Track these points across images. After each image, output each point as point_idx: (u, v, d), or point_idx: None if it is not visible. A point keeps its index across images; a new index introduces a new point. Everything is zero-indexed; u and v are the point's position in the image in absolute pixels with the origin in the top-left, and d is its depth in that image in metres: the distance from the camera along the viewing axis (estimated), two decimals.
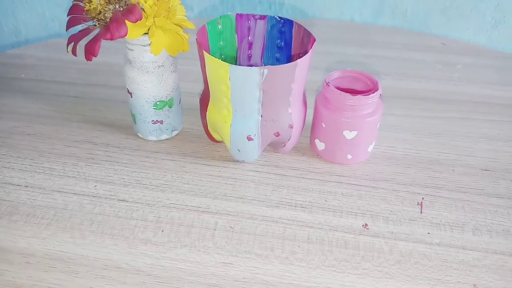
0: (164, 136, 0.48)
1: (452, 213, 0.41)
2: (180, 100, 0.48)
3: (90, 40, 0.39)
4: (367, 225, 0.40)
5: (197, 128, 0.50)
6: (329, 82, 0.43)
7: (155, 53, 0.41)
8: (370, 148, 0.46)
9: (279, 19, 0.45)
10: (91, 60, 0.39)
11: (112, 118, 0.52)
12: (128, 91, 0.46)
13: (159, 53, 0.42)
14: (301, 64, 0.39)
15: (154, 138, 0.48)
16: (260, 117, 0.41)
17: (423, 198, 0.42)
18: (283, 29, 0.45)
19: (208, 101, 0.43)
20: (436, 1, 0.72)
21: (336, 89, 0.42)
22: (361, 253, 0.37)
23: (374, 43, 0.69)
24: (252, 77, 0.38)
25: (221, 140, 0.46)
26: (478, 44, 0.72)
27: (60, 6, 0.74)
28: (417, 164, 0.46)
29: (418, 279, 0.35)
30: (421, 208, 0.42)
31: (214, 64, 0.39)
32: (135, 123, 0.48)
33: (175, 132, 0.49)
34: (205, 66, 0.40)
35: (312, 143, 0.47)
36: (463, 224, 0.40)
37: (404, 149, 0.48)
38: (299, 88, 0.41)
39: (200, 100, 0.46)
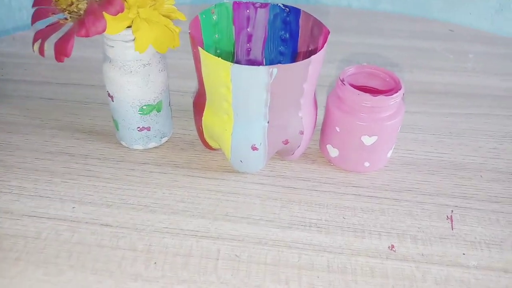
0: (152, 144, 0.42)
1: (487, 228, 0.36)
2: (169, 102, 0.42)
3: (61, 37, 0.32)
4: (393, 247, 0.34)
5: (190, 133, 0.44)
6: (343, 80, 0.38)
7: (140, 51, 0.35)
8: (389, 154, 0.40)
9: (283, 7, 0.39)
10: (62, 61, 0.32)
11: (92, 123, 0.45)
12: (109, 94, 0.39)
13: (145, 50, 0.35)
14: (315, 61, 0.33)
15: (140, 147, 0.42)
16: (266, 123, 0.35)
17: (452, 211, 0.37)
18: (288, 18, 0.39)
19: (204, 104, 0.37)
20: None
21: (353, 89, 0.36)
22: (390, 282, 0.32)
23: (376, 31, 0.63)
24: (259, 78, 0.32)
25: (219, 147, 0.40)
26: (481, 29, 0.67)
27: None
28: (440, 170, 0.41)
29: None
30: (452, 223, 0.36)
31: (212, 63, 0.32)
32: (118, 130, 0.41)
33: (164, 139, 0.43)
34: (200, 65, 0.34)
35: (323, 148, 0.42)
36: (501, 241, 0.35)
37: (425, 153, 0.43)
38: (311, 88, 0.35)
39: (194, 102, 0.39)
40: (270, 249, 0.34)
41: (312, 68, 0.33)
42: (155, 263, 0.32)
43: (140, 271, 0.32)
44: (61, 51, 0.31)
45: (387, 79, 0.39)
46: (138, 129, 0.40)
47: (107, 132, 0.44)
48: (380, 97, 0.36)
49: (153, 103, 0.39)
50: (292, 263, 0.33)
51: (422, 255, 0.34)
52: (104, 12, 0.30)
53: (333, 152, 0.40)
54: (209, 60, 0.32)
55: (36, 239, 0.34)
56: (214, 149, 0.42)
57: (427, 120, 0.47)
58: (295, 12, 0.38)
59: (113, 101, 0.39)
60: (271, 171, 0.40)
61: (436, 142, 0.44)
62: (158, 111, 0.40)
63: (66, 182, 0.39)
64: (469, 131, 0.46)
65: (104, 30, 0.31)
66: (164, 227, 0.35)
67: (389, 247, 0.34)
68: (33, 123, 0.45)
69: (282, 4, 0.39)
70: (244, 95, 0.33)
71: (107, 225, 0.35)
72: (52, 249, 0.33)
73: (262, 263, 0.33)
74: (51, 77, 0.52)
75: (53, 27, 0.33)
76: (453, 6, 0.68)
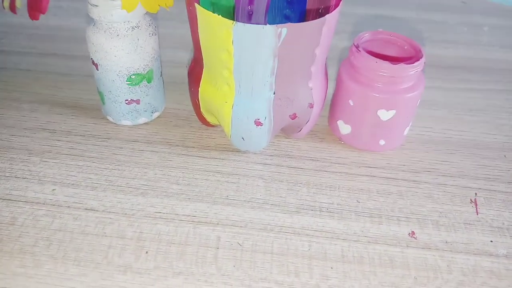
0: (142, 120, 0.38)
1: None
2: (161, 72, 0.37)
3: None
4: (414, 233, 0.31)
5: (185, 108, 0.40)
6: (358, 46, 0.33)
7: (127, 9, 0.30)
8: (406, 131, 0.36)
9: None
10: (37, 19, 0.28)
11: (75, 97, 0.41)
12: (93, 62, 0.34)
13: (133, 9, 0.31)
14: (330, 20, 0.28)
15: (129, 123, 0.38)
16: (272, 95, 0.31)
17: (476, 194, 0.34)
18: None
19: (201, 74, 0.33)
20: None
21: (370, 56, 0.32)
22: (412, 273, 0.28)
23: (385, 2, 0.58)
24: (265, 39, 0.27)
25: (218, 123, 0.36)
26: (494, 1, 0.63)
27: None
28: (461, 149, 0.37)
29: None
30: (476, 208, 0.33)
31: (211, 22, 0.28)
32: (104, 103, 0.37)
33: (156, 114, 0.38)
34: (197, 26, 0.29)
35: (332, 125, 0.38)
36: None
37: (444, 130, 0.39)
38: (323, 54, 0.31)
39: (189, 71, 0.35)
40: (276, 236, 0.30)
41: (326, 29, 0.29)
42: (147, 252, 0.29)
43: (129, 261, 0.28)
44: (36, 6, 0.26)
45: (406, 47, 0.35)
46: (126, 102, 0.36)
47: (92, 107, 0.40)
48: (400, 65, 0.32)
49: (143, 72, 0.35)
50: (301, 252, 0.29)
51: (446, 242, 0.30)
52: None
53: (344, 129, 0.36)
54: (207, 19, 0.28)
55: (11, 225, 0.30)
56: (212, 126, 0.38)
57: (445, 95, 0.43)
58: None
59: (98, 70, 0.34)
60: (275, 149, 0.36)
61: (455, 119, 0.41)
62: (149, 81, 0.36)
63: (46, 161, 0.34)
64: (490, 108, 0.42)
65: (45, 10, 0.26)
66: (156, 212, 0.31)
67: (409, 234, 0.31)
68: (10, 96, 0.40)
69: None
70: (248, 61, 0.29)
71: (92, 210, 0.31)
72: (28, 237, 0.29)
73: (268, 252, 0.29)
74: (30, 47, 0.47)
75: None
76: None
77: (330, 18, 0.28)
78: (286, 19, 0.37)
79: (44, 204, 0.31)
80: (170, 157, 0.35)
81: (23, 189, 0.32)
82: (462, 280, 0.28)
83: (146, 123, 0.38)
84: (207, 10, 0.28)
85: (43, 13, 0.27)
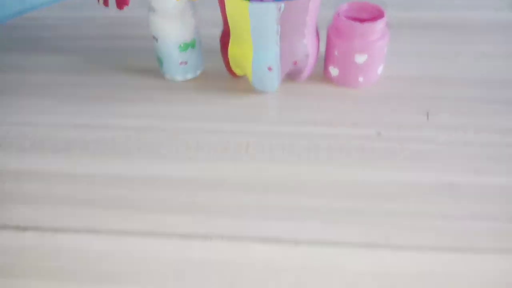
0: (189, 76, 0.53)
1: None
2: (200, 42, 0.53)
3: None
4: (380, 133, 0.45)
5: (219, 68, 0.54)
6: (339, 14, 0.48)
7: None
8: (379, 70, 0.50)
9: None
10: (122, 9, 0.43)
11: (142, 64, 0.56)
12: (154, 37, 0.50)
13: None
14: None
15: (180, 78, 0.53)
16: (278, 48, 0.46)
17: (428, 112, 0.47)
18: None
19: (229, 39, 0.48)
20: None
21: (346, 19, 0.47)
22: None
23: None
24: (270, 12, 0.42)
25: (242, 74, 0.51)
26: None
27: None
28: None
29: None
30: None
31: (233, 3, 0.43)
32: (162, 66, 0.52)
33: (198, 71, 0.54)
34: (225, 7, 0.44)
35: (326, 70, 0.52)
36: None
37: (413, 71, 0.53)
38: (313, 20, 0.45)
39: (220, 39, 0.50)
40: (285, 137, 0.45)
41: (312, 5, 0.43)
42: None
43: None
44: (123, 1, 0.42)
45: (374, 11, 0.49)
46: (179, 63, 0.51)
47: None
48: (367, 24, 0.46)
49: (188, 41, 0.50)
50: (302, 145, 0.44)
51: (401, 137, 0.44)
52: None
53: (334, 72, 0.51)
54: (231, 1, 0.43)
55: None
56: (238, 76, 0.52)
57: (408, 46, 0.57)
58: None
59: (157, 42, 0.50)
60: (285, 90, 0.51)
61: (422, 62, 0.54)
62: (193, 47, 0.51)
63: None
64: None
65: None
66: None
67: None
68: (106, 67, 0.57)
69: None
70: (260, 27, 0.43)
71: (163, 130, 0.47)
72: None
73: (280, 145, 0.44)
74: (101, 34, 0.63)
75: None
76: None
77: None
78: None
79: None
80: (214, 99, 0.51)
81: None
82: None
83: (193, 78, 0.54)
84: None
85: (127, 5, 0.43)
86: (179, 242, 0.36)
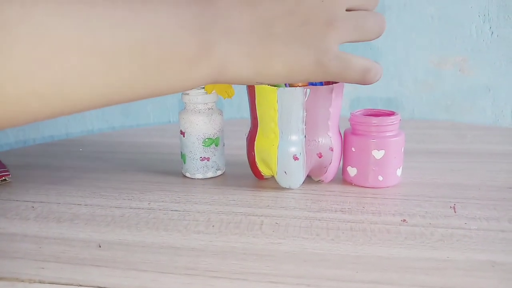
0: (209, 174, 0.54)
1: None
2: (224, 143, 0.55)
3: None
4: (405, 220, 0.42)
5: (241, 171, 0.55)
6: (355, 113, 0.51)
7: (208, 91, 0.50)
8: (398, 172, 0.50)
9: None
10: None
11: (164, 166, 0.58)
12: (181, 132, 0.53)
13: (211, 92, 0.51)
14: (337, 88, 0.46)
15: (200, 176, 0.53)
16: (304, 137, 0.47)
17: (455, 205, 0.45)
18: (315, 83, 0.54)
19: (255, 135, 0.49)
20: None
21: (362, 115, 0.49)
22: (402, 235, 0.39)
23: None
24: (297, 96, 0.45)
25: (268, 175, 0.51)
26: None
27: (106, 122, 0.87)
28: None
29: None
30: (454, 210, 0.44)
31: (263, 90, 0.46)
32: (185, 163, 0.54)
33: (219, 172, 0.55)
34: (255, 98, 0.48)
35: (344, 172, 0.52)
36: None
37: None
38: (336, 113, 0.48)
39: (247, 139, 0.51)
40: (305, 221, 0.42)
41: (334, 95, 0.46)
42: (213, 226, 0.41)
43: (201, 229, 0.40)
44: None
45: (388, 113, 0.51)
46: (201, 159, 0.53)
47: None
48: (382, 118, 0.48)
49: (213, 137, 0.53)
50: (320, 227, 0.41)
51: (430, 224, 0.41)
52: None
53: (352, 171, 0.50)
54: (261, 88, 0.46)
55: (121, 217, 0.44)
56: (263, 178, 0.52)
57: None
58: None
59: (184, 137, 0.53)
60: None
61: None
62: (216, 145, 0.53)
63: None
64: None
65: None
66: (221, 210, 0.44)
67: (402, 220, 0.42)
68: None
69: None
70: (286, 113, 0.46)
71: (176, 210, 0.45)
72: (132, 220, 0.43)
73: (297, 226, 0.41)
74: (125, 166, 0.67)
75: None
76: None
77: (336, 87, 0.46)
78: (310, 84, 0.54)
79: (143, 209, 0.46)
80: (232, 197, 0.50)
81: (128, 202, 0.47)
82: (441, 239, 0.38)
83: (212, 177, 0.54)
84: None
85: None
86: None
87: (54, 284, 0.33)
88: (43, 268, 0.35)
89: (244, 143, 0.52)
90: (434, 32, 0.82)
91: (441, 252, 0.36)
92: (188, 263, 0.36)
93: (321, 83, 0.52)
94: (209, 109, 0.52)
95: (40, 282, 0.34)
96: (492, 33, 0.80)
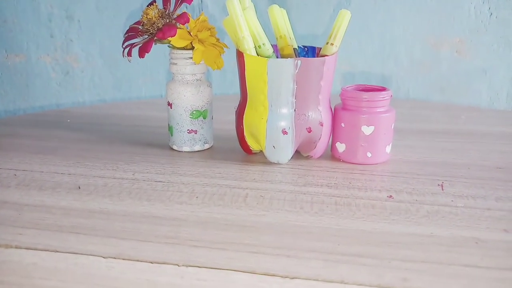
0: (197, 147, 0.53)
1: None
2: (212, 116, 0.54)
3: (143, 43, 0.47)
4: (391, 196, 0.41)
5: (229, 146, 0.54)
6: (346, 88, 0.50)
7: (196, 61, 0.49)
8: (388, 149, 0.49)
9: (303, 47, 0.53)
10: (143, 57, 0.46)
11: (151, 138, 0.57)
12: (169, 103, 0.52)
13: (199, 62, 0.49)
14: (328, 61, 0.45)
15: (188, 149, 0.53)
16: (293, 111, 0.46)
17: (442, 182, 0.44)
18: (307, 56, 0.53)
19: (244, 108, 0.48)
20: None
21: (353, 90, 0.48)
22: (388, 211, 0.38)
23: None
24: (287, 68, 0.44)
25: (257, 150, 0.50)
26: None
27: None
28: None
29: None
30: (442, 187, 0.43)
31: (253, 61, 0.45)
32: (172, 135, 0.53)
33: (207, 146, 0.54)
34: (244, 69, 0.46)
35: (333, 148, 0.51)
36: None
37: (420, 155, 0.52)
38: (327, 87, 0.46)
39: (236, 112, 0.50)
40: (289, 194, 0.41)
41: (326, 68, 0.45)
42: (197, 197, 0.40)
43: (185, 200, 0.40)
44: (144, 49, 0.45)
45: (379, 89, 0.50)
46: (188, 131, 0.52)
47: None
48: (373, 93, 0.47)
49: (201, 109, 0.52)
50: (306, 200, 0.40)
51: (416, 200, 0.40)
52: (176, 23, 0.45)
53: (341, 147, 0.50)
54: (251, 59, 0.45)
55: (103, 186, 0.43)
56: (252, 153, 0.51)
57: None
58: (312, 50, 0.52)
59: (171, 108, 0.52)
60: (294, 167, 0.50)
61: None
62: (204, 118, 0.52)
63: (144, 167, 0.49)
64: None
65: (175, 35, 0.45)
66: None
67: (388, 196, 0.41)
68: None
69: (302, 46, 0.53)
70: (276, 86, 0.45)
71: (160, 182, 0.44)
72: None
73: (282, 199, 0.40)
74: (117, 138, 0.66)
75: (137, 43, 0.48)
76: None
77: (329, 60, 0.45)
78: (302, 55, 0.52)
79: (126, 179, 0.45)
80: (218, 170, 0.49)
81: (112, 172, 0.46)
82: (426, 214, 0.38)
83: (199, 150, 0.53)
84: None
85: (148, 52, 0.45)
86: (151, 267, 0.31)
87: (31, 250, 0.33)
88: (21, 234, 0.35)
89: (234, 118, 0.51)
90: (432, 12, 0.80)
91: (425, 228, 0.36)
92: (168, 232, 0.35)
93: (313, 55, 0.51)
94: (197, 80, 0.51)
95: (17, 248, 0.33)
96: (491, 14, 0.79)
